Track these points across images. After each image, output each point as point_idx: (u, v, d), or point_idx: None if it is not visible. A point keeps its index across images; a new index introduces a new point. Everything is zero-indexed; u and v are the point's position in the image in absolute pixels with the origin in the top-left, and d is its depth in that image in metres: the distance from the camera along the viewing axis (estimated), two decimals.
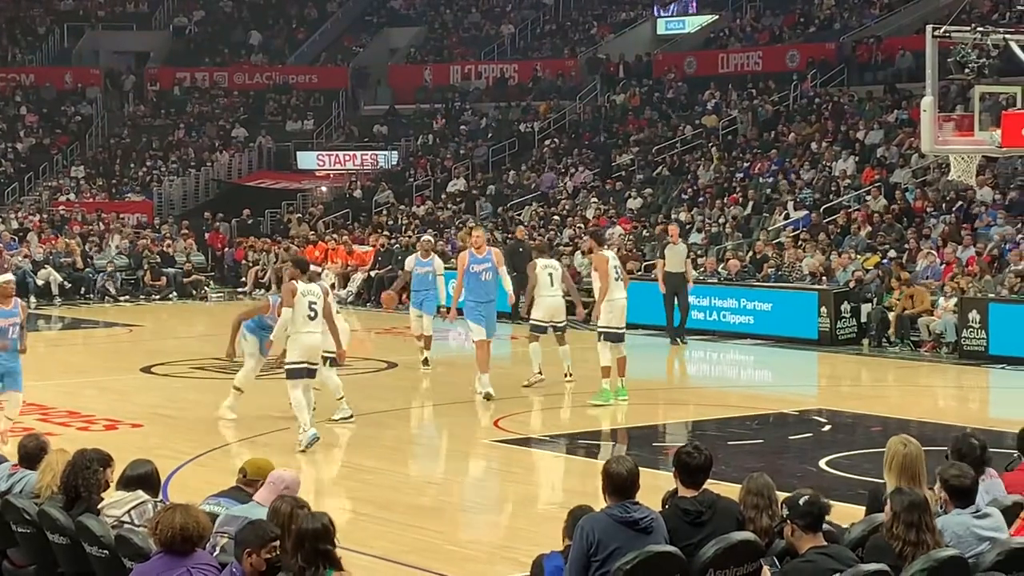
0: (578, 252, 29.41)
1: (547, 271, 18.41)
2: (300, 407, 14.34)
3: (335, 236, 35.07)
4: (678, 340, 23.49)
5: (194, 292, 33.86)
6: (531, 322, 18.61)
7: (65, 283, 32.83)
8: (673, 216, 32.14)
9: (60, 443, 10.22)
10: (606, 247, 18.46)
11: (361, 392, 18.45)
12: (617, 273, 17.12)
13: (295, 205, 42.43)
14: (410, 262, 21.17)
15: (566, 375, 18.45)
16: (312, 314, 14.40)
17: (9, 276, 14.53)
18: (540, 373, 18.38)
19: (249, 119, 47.77)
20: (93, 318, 29.54)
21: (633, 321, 18.83)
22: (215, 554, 7.49)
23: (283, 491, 7.88)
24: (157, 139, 46.59)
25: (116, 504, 8.21)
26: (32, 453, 9.14)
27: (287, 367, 14.59)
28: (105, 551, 7.90)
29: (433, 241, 23.61)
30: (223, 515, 7.92)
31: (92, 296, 32.97)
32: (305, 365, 14.51)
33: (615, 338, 17.06)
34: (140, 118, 48.16)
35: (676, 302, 23.60)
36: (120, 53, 51.54)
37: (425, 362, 20.40)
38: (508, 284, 18.61)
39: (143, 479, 8.33)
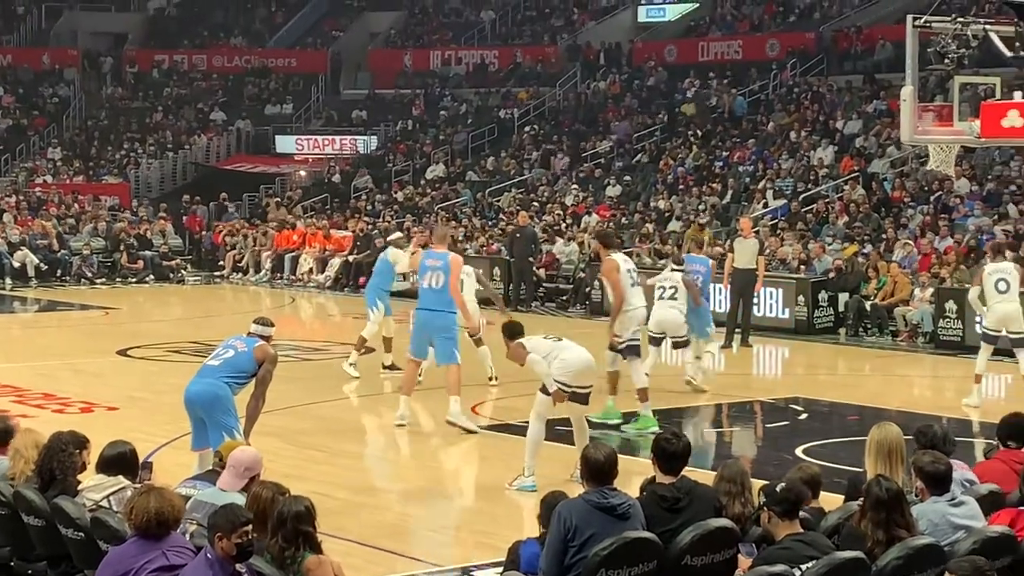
0: (559, 240, 29.42)
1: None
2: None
3: (313, 221, 34.98)
4: (744, 343, 21.78)
5: (171, 275, 33.77)
6: None
7: (41, 265, 32.67)
8: (652, 204, 32.22)
9: (35, 425, 10.18)
10: (615, 250, 15.60)
11: (339, 377, 18.44)
12: (633, 278, 14.93)
13: (273, 189, 42.33)
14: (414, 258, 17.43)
15: (491, 379, 17.60)
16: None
17: None
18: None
19: (228, 102, 47.62)
20: (69, 300, 29.43)
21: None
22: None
23: (243, 473, 7.91)
24: (135, 121, 46.40)
25: (96, 488, 8.20)
26: None
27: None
28: (81, 533, 7.89)
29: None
30: (191, 501, 7.91)
31: (68, 278, 32.83)
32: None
33: (638, 351, 15.15)
34: (118, 100, 47.95)
35: (741, 301, 21.79)
36: (98, 34, 51.33)
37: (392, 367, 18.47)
38: (460, 299, 15.25)
39: (120, 460, 8.31)
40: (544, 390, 12.09)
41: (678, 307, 17.07)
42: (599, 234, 17.04)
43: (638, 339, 15.04)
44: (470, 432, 14.78)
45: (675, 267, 17.69)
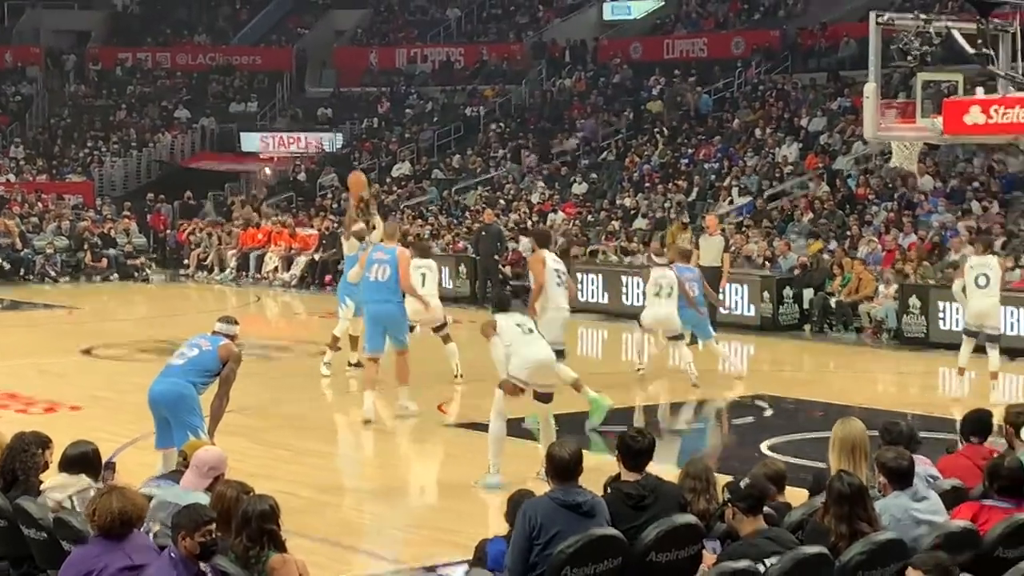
0: (523, 238, 29.43)
1: (419, 271, 17.10)
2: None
3: (279, 219, 34.88)
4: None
5: (135, 274, 33.62)
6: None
7: (4, 264, 32.48)
8: (618, 202, 32.26)
9: None
10: (549, 248, 15.92)
11: (305, 375, 18.39)
12: (559, 279, 15.11)
13: (238, 187, 42.18)
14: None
15: (456, 376, 17.62)
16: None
17: None
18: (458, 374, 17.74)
19: (192, 100, 47.44)
20: (32, 300, 29.25)
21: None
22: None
23: (208, 472, 7.89)
24: (98, 119, 46.16)
25: (58, 488, 8.16)
26: None
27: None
28: (43, 533, 7.84)
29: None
30: (155, 501, 7.88)
31: (32, 277, 32.65)
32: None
33: (562, 354, 14.65)
34: (81, 98, 47.70)
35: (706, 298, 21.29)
36: (61, 32, 51.04)
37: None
38: (411, 289, 15.86)
39: (84, 459, 8.27)
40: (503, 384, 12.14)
41: (673, 304, 18.01)
42: (535, 233, 17.27)
43: (562, 344, 14.99)
44: (412, 413, 15.37)
45: (656, 260, 18.74)
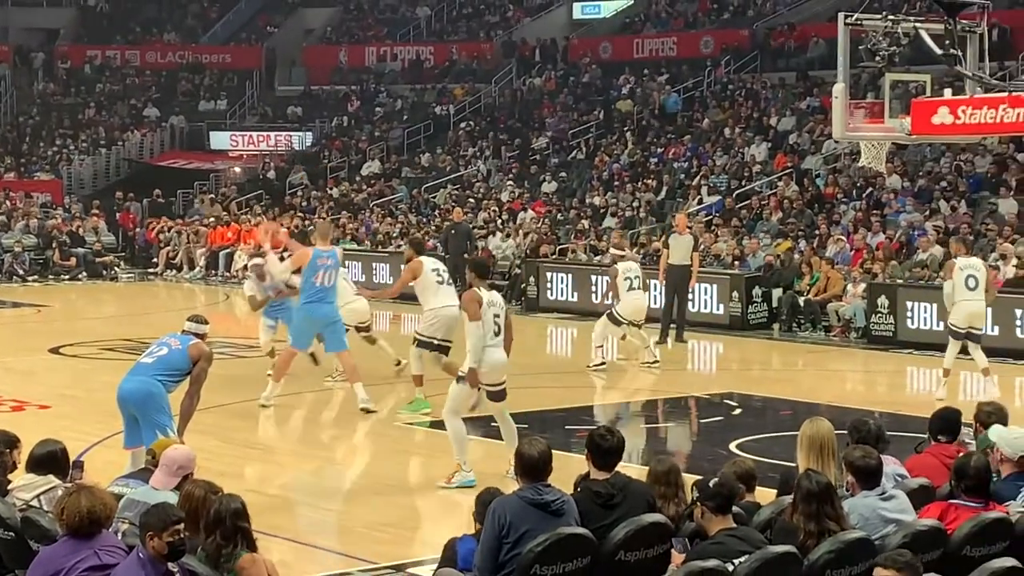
0: (492, 236, 29.45)
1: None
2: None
3: (248, 217, 34.79)
4: (679, 339, 21.73)
5: (104, 272, 33.48)
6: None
7: None
8: (588, 200, 32.29)
9: None
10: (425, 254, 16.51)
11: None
12: (441, 276, 15.50)
13: (208, 186, 42.06)
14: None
15: (398, 363, 17.84)
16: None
17: None
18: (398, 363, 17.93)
19: (161, 98, 47.28)
20: (1, 298, 29.10)
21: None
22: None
23: (176, 471, 7.86)
24: (67, 117, 45.97)
25: (26, 487, 8.11)
26: None
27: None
28: (11, 533, 7.80)
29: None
30: (123, 500, 7.84)
31: (0, 276, 32.47)
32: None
33: (430, 347, 15.32)
34: (50, 96, 47.48)
35: (676, 297, 21.67)
36: (30, 30, 50.79)
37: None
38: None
39: (51, 459, 8.23)
40: (459, 379, 12.19)
41: (643, 292, 19.26)
42: (411, 241, 17.41)
43: (450, 342, 15.20)
44: (371, 411, 15.54)
45: (617, 253, 20.24)
